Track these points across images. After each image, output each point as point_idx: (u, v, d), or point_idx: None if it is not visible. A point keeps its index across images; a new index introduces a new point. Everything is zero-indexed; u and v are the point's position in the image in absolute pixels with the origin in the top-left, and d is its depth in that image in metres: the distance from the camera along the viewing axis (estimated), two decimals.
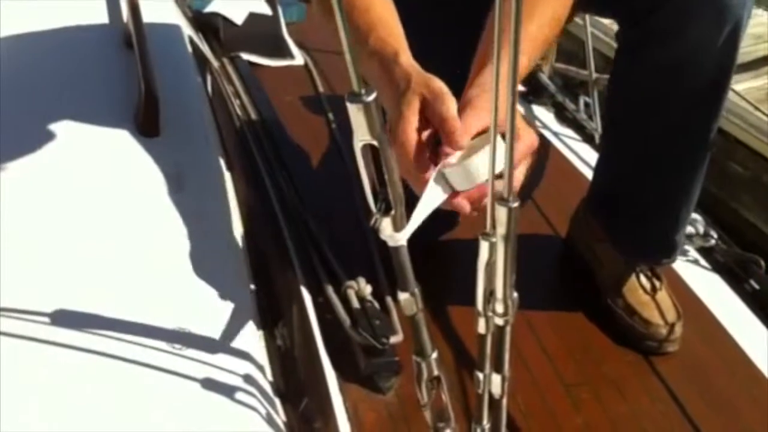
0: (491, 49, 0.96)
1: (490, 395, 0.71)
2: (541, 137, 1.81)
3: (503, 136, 0.87)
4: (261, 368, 1.10)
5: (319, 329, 1.15)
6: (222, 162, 1.53)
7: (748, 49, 2.95)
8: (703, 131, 1.16)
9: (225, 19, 2.05)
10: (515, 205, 0.56)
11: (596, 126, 1.89)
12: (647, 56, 1.13)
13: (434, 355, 0.76)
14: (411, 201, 0.75)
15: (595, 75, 1.95)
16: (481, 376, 0.69)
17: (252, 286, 1.26)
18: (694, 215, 1.49)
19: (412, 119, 0.86)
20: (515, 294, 0.63)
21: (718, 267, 1.48)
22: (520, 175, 0.86)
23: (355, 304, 1.14)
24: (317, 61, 2.05)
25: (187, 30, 2.00)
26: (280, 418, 1.06)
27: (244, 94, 1.79)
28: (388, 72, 0.91)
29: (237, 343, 1.10)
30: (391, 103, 0.89)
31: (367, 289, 1.16)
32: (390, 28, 0.96)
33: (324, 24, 0.98)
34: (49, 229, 1.25)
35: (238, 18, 2.06)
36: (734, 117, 2.50)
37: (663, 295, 1.25)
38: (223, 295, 1.17)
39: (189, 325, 1.09)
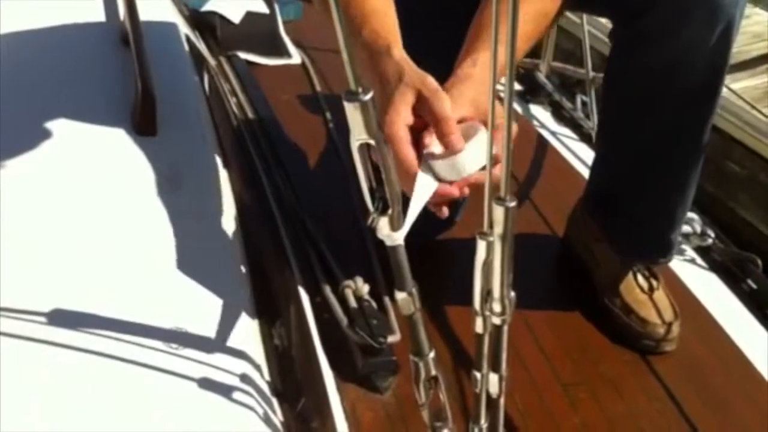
0: (473, 43, 0.96)
1: (488, 395, 0.71)
2: (539, 136, 1.82)
3: (485, 124, 0.88)
4: (258, 367, 1.10)
5: (317, 328, 1.15)
6: (219, 161, 1.53)
7: (745, 48, 2.95)
8: (696, 130, 1.16)
9: (222, 17, 2.05)
10: (512, 204, 0.56)
11: (593, 125, 1.88)
12: (640, 56, 1.13)
13: (432, 354, 0.76)
14: (406, 201, 0.75)
15: (592, 74, 1.95)
16: (478, 375, 0.69)
17: (249, 286, 1.26)
18: (691, 214, 1.49)
19: (404, 112, 0.87)
20: (512, 293, 0.62)
21: (715, 266, 1.48)
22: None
23: (353, 303, 1.14)
24: (314, 59, 2.05)
25: (184, 28, 1.99)
26: (278, 417, 1.06)
27: (241, 92, 1.78)
28: (378, 64, 0.91)
29: (234, 342, 1.10)
30: (378, 95, 0.88)
31: (365, 289, 1.16)
32: (384, 20, 0.96)
33: (324, 21, 0.98)
34: (46, 229, 1.25)
35: (235, 16, 2.06)
36: (731, 115, 2.49)
37: (660, 295, 1.25)
38: (220, 295, 1.17)
39: (186, 325, 1.09)
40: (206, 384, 1.02)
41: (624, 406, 1.13)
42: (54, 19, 1.86)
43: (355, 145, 0.62)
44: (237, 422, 1.00)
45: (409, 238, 0.69)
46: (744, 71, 2.91)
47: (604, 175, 1.31)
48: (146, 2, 1.81)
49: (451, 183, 0.87)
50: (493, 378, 0.69)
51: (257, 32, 2.06)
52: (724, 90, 1.42)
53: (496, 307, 0.63)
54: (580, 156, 1.75)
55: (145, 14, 1.75)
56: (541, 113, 1.99)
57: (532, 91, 2.04)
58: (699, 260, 1.47)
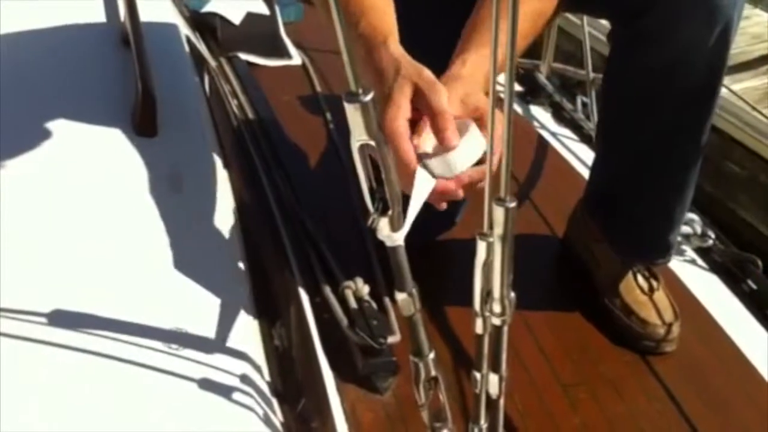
0: (464, 43, 0.96)
1: (488, 395, 0.71)
2: (539, 137, 1.82)
3: (475, 121, 0.88)
4: (258, 368, 1.10)
5: (317, 329, 1.15)
6: (219, 162, 1.53)
7: (746, 49, 2.95)
8: (696, 131, 1.16)
9: (222, 18, 2.05)
10: (512, 205, 0.56)
11: (593, 126, 1.88)
12: (640, 56, 1.13)
13: (432, 355, 0.76)
14: (406, 201, 0.75)
15: (592, 75, 1.95)
16: (478, 376, 0.69)
17: (249, 286, 1.26)
18: (691, 215, 1.49)
19: (404, 106, 0.86)
20: (512, 294, 0.63)
21: (715, 267, 1.48)
22: (495, 160, 0.87)
23: (353, 304, 1.14)
24: (315, 60, 2.05)
25: (185, 29, 1.99)
26: (278, 418, 1.06)
27: (241, 93, 1.78)
28: (375, 58, 0.90)
29: (234, 343, 1.10)
30: (376, 89, 0.88)
31: (365, 289, 1.16)
32: (382, 16, 0.95)
33: (324, 22, 0.98)
34: (46, 229, 1.25)
35: (236, 17, 2.06)
36: (731, 116, 2.49)
37: (660, 295, 1.25)
38: (221, 295, 1.17)
39: (186, 325, 1.09)
40: (206, 384, 1.02)
41: (624, 406, 1.13)
42: (54, 19, 1.86)
43: (355, 146, 0.62)
44: (237, 422, 1.00)
45: (409, 237, 0.69)
46: (744, 72, 2.91)
47: (604, 175, 1.31)
48: (147, 3, 1.81)
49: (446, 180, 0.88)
50: (493, 378, 0.69)
51: (258, 33, 2.06)
52: (725, 91, 1.42)
53: (496, 308, 0.63)
54: (581, 157, 1.75)
55: (145, 15, 1.75)
56: (541, 114, 1.99)
57: (532, 92, 2.05)
58: (699, 261, 1.47)
